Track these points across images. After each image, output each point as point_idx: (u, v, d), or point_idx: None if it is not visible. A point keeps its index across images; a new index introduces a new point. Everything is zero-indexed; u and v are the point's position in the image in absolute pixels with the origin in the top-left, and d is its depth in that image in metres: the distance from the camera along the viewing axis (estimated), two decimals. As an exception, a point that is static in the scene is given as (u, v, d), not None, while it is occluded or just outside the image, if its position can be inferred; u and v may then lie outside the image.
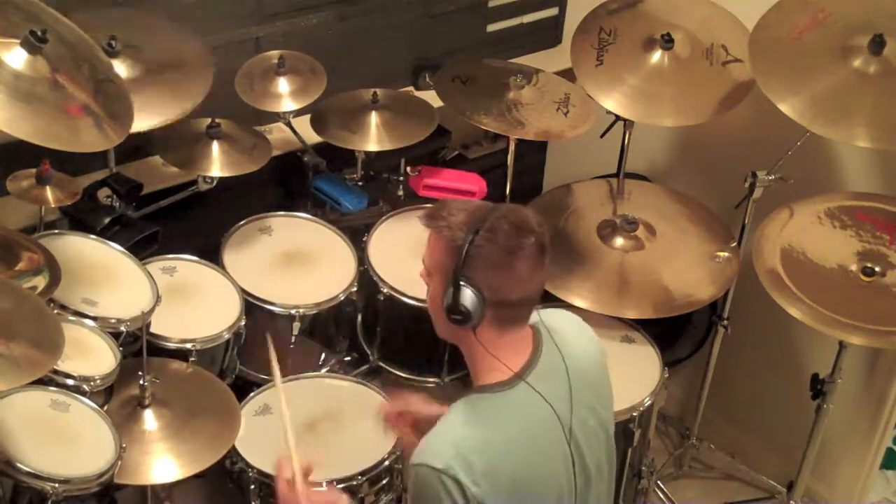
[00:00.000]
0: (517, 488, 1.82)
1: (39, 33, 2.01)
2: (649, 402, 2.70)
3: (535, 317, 1.95)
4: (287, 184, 3.13)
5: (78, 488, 1.99)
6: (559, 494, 1.91)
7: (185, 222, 2.82)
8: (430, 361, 2.85)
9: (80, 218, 2.48)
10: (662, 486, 3.24)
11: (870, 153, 2.91)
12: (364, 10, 3.12)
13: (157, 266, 2.63)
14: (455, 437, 1.80)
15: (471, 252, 1.79)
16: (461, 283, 1.79)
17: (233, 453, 2.40)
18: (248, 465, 2.40)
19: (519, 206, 1.89)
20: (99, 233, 2.45)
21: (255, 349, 2.67)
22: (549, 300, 2.78)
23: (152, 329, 2.35)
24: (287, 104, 2.77)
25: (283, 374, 2.66)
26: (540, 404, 1.87)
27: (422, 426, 2.14)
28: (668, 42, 2.88)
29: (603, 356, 2.06)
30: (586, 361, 1.99)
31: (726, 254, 2.88)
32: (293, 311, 2.68)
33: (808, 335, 3.08)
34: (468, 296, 1.80)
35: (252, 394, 2.59)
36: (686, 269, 2.86)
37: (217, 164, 2.65)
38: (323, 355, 2.87)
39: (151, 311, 2.31)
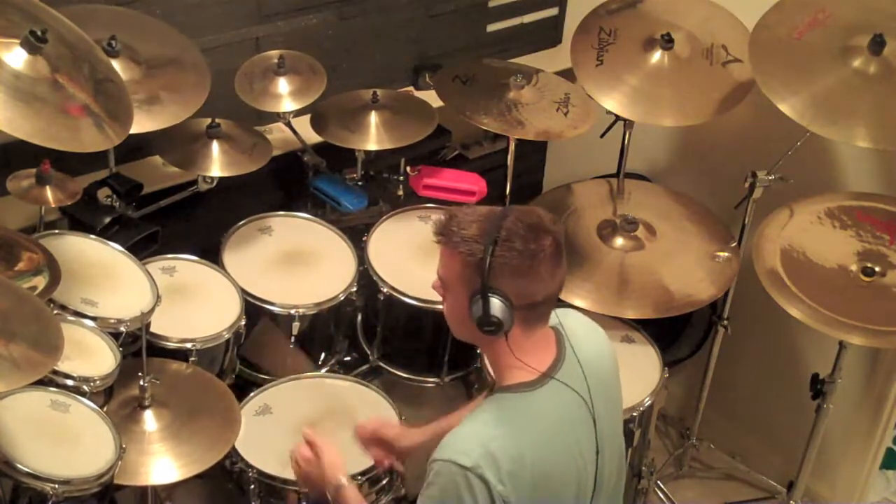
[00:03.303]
0: (539, 487, 1.82)
1: (39, 33, 2.01)
2: (649, 402, 2.70)
3: (553, 318, 1.95)
4: (287, 184, 3.13)
5: (78, 489, 1.99)
6: (577, 492, 1.91)
7: (185, 222, 2.82)
8: (430, 361, 2.85)
9: (80, 218, 2.48)
10: (662, 486, 3.24)
11: (870, 153, 2.91)
12: (364, 10, 3.12)
13: (156, 266, 2.63)
14: (483, 435, 1.80)
15: (493, 263, 1.78)
16: (489, 294, 1.79)
17: (233, 453, 2.40)
18: (247, 465, 2.40)
19: (529, 207, 1.88)
20: (99, 233, 2.45)
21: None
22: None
23: (152, 329, 2.35)
24: (287, 104, 2.77)
25: (283, 375, 2.68)
26: (567, 402, 1.88)
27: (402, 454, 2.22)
28: (668, 42, 2.88)
29: (614, 359, 2.06)
30: (599, 364, 1.99)
31: (726, 254, 2.88)
32: (293, 311, 2.68)
33: (808, 335, 3.08)
34: (498, 306, 1.80)
35: (252, 394, 2.60)
36: (686, 269, 2.86)
37: (217, 164, 2.65)
38: (323, 355, 2.87)
39: (151, 311, 2.31)
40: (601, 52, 2.90)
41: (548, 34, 3.64)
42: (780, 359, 3.32)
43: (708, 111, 2.85)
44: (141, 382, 2.26)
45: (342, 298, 2.76)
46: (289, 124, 2.85)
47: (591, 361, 1.95)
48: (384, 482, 2.49)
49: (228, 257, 2.77)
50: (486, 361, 1.96)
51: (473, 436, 1.81)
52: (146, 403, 2.28)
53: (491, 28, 3.49)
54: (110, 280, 2.35)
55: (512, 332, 1.84)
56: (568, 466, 1.88)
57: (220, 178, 2.64)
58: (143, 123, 2.42)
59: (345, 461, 2.10)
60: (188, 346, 2.48)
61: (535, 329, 1.89)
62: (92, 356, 2.17)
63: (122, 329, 2.25)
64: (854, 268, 2.64)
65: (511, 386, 1.87)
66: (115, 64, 2.41)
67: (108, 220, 2.48)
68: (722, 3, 2.96)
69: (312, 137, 2.91)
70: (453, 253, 1.84)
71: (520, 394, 1.85)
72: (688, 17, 2.96)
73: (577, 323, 2.03)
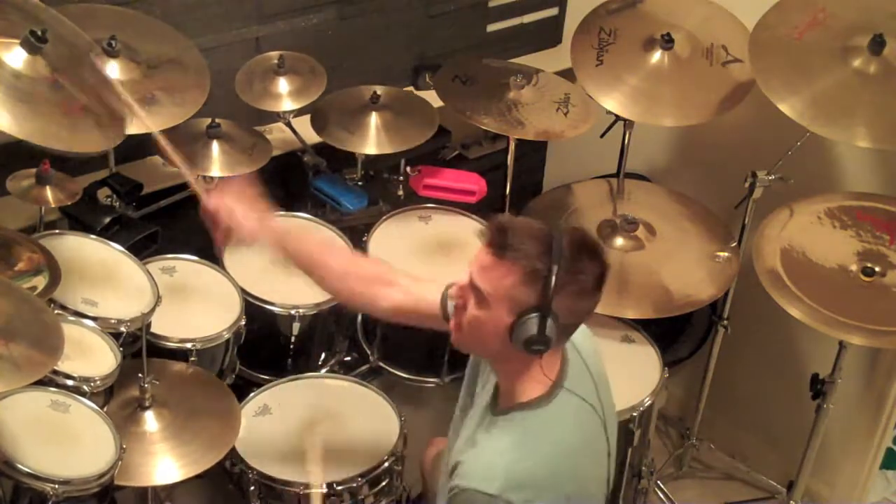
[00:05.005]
0: (574, 499, 1.82)
1: (39, 33, 2.01)
2: (649, 402, 2.70)
3: None
4: (287, 184, 3.12)
5: (78, 489, 1.99)
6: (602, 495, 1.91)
7: (185, 222, 2.81)
8: (430, 361, 2.84)
9: (80, 218, 2.48)
10: (662, 486, 3.24)
11: (870, 153, 2.91)
12: (364, 10, 3.12)
13: (156, 266, 2.62)
14: (506, 460, 1.78)
15: (555, 283, 1.74)
16: (548, 315, 1.76)
17: (233, 455, 2.40)
18: (248, 466, 2.40)
19: (581, 230, 1.87)
20: (99, 233, 2.45)
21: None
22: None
23: (152, 329, 2.35)
24: (287, 104, 2.77)
25: (283, 376, 2.67)
26: (580, 411, 1.86)
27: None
28: (668, 42, 2.88)
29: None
30: (599, 364, 1.98)
31: (726, 254, 2.88)
32: (293, 311, 2.68)
33: (808, 335, 3.08)
34: (552, 326, 1.76)
35: (252, 394, 2.59)
36: (686, 269, 2.86)
37: (217, 164, 2.65)
38: (323, 355, 2.87)
39: (152, 311, 2.31)
40: (601, 52, 2.90)
41: (548, 34, 3.64)
42: (780, 359, 3.31)
43: (708, 111, 2.85)
44: (141, 383, 2.26)
45: (342, 298, 2.75)
46: (289, 124, 2.85)
47: (593, 360, 1.95)
48: (384, 484, 2.48)
49: (228, 257, 2.77)
50: (498, 376, 1.92)
51: (497, 461, 1.78)
52: (146, 404, 2.28)
53: (491, 28, 3.49)
54: (110, 280, 2.35)
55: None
56: (599, 471, 1.87)
57: (220, 178, 2.64)
58: (142, 124, 2.41)
59: None
60: (188, 346, 2.48)
61: (561, 345, 1.88)
62: (92, 356, 2.17)
63: (123, 329, 2.26)
64: (854, 268, 2.64)
65: (528, 403, 1.84)
66: (115, 64, 2.41)
67: (108, 220, 2.48)
68: (722, 3, 2.96)
69: (312, 137, 2.91)
70: (511, 267, 1.76)
71: (538, 410, 1.82)
72: (688, 17, 2.96)
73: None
